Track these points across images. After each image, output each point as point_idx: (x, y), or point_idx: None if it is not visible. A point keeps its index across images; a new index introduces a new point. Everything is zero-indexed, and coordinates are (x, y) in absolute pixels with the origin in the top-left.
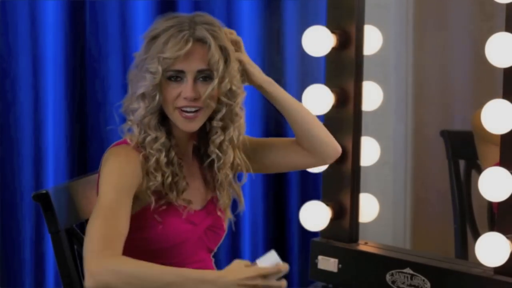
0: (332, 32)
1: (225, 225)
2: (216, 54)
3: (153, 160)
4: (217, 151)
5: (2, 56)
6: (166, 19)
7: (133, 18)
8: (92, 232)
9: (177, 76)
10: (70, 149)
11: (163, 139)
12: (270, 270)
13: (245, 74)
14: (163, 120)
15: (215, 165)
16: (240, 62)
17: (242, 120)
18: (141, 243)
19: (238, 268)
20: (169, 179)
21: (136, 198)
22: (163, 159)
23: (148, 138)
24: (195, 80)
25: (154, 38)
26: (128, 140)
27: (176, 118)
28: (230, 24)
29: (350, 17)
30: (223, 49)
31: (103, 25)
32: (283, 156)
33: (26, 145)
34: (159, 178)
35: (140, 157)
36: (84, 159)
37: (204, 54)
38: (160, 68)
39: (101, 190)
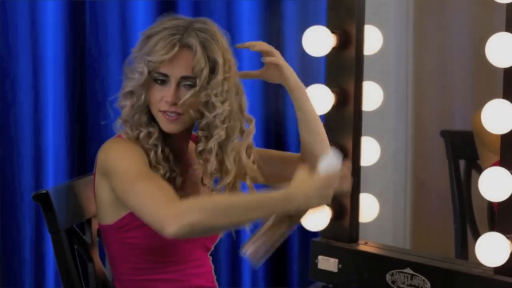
0: (332, 32)
1: None
2: (201, 62)
3: (152, 154)
4: (199, 160)
5: (2, 56)
6: (166, 20)
7: (133, 18)
8: (143, 196)
9: (162, 80)
10: (70, 149)
11: (156, 134)
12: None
13: (282, 76)
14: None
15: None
16: (277, 65)
17: (223, 132)
18: (138, 241)
19: (307, 180)
20: (167, 175)
21: None
22: (160, 154)
23: (142, 134)
24: (178, 85)
25: (148, 37)
26: (124, 136)
27: (159, 119)
28: (230, 24)
29: (350, 17)
30: (211, 60)
31: (103, 25)
32: (284, 169)
33: (26, 145)
34: (161, 171)
35: (141, 149)
36: (84, 159)
37: (191, 61)
38: (145, 70)
39: (121, 167)
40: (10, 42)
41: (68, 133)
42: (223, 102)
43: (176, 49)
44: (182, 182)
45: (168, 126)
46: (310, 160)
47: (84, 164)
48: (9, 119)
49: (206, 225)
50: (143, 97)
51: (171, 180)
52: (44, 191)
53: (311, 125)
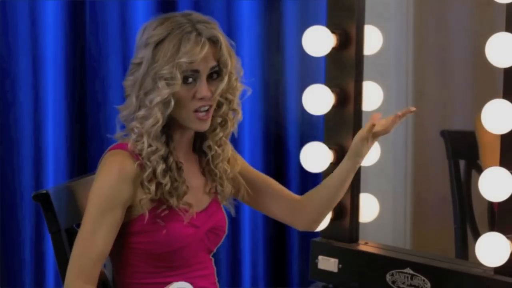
0: (332, 32)
1: (226, 227)
2: (225, 52)
3: (149, 171)
4: (216, 147)
5: (2, 56)
6: (159, 22)
7: (133, 18)
8: (70, 259)
9: (189, 77)
10: (70, 149)
11: (162, 151)
12: None
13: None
14: (163, 128)
15: (213, 162)
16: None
17: (239, 115)
18: (146, 246)
19: None
20: (168, 185)
21: (133, 206)
22: (159, 168)
23: (148, 150)
24: (207, 78)
25: (160, 42)
26: (130, 147)
27: (192, 120)
28: (230, 24)
29: (350, 17)
30: (228, 46)
31: (103, 25)
32: (272, 203)
33: (26, 145)
34: (153, 189)
35: (135, 167)
36: (84, 159)
37: (214, 51)
38: (178, 74)
39: (86, 208)
40: (10, 42)
41: (68, 133)
42: (240, 85)
43: (206, 46)
44: (186, 189)
45: (202, 126)
46: (309, 210)
47: (84, 164)
48: (9, 119)
49: None
50: (171, 104)
51: (172, 191)
52: (44, 191)
53: (342, 189)
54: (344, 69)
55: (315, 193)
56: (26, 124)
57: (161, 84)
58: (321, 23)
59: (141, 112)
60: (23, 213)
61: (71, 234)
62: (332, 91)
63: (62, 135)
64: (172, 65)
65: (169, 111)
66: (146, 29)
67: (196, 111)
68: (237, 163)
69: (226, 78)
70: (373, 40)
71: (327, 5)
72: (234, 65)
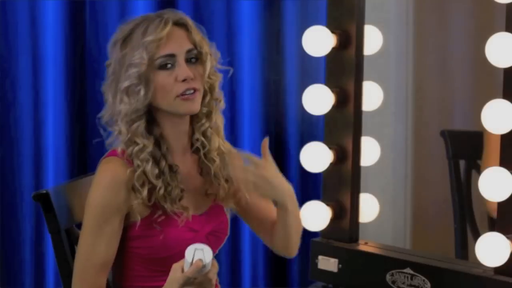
0: (332, 32)
1: (228, 229)
2: (197, 34)
3: (139, 172)
4: (202, 138)
5: (2, 56)
6: (124, 23)
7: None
8: (74, 272)
9: (167, 63)
10: (70, 149)
11: (150, 147)
12: (192, 271)
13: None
14: (150, 127)
15: (203, 154)
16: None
17: (221, 104)
18: (144, 251)
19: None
20: (162, 190)
21: (130, 213)
22: (150, 169)
23: (136, 148)
24: (185, 62)
25: (128, 36)
26: (119, 151)
27: (177, 104)
28: (230, 24)
29: (350, 17)
30: (199, 30)
31: (103, 25)
32: (255, 222)
33: (26, 145)
34: (145, 193)
35: (127, 173)
36: (84, 159)
37: (185, 35)
38: (145, 55)
39: (83, 221)
40: (10, 42)
41: (68, 133)
42: (219, 74)
43: (169, 25)
44: (179, 192)
45: (190, 107)
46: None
47: (84, 164)
48: (9, 119)
49: None
50: (142, 91)
51: (166, 195)
52: (44, 191)
53: (292, 232)
54: (344, 69)
55: (275, 228)
56: (26, 124)
57: (130, 69)
58: (321, 23)
59: (116, 107)
60: (23, 213)
61: (71, 234)
62: (332, 91)
63: (62, 135)
64: (140, 49)
65: (140, 98)
66: (115, 32)
67: (182, 94)
68: (235, 165)
69: (208, 59)
70: (373, 40)
71: (327, 5)
72: (210, 48)
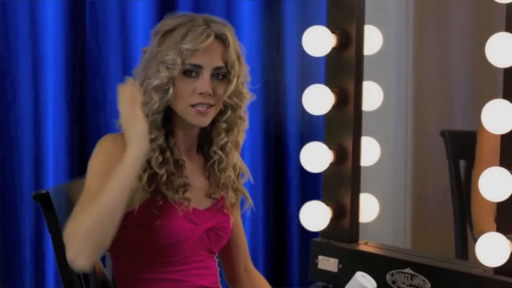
0: (332, 32)
1: (230, 229)
2: (233, 53)
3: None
4: (220, 152)
5: (2, 56)
6: (175, 15)
7: (133, 18)
8: (76, 206)
9: (192, 71)
10: (70, 149)
11: (160, 140)
12: None
13: None
14: (165, 120)
15: (217, 166)
16: None
17: (245, 123)
18: (142, 239)
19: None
20: (164, 177)
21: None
22: (154, 159)
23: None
24: (210, 76)
25: (169, 31)
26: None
27: (189, 113)
28: (230, 24)
29: (350, 17)
30: (236, 51)
31: (103, 25)
32: (233, 255)
33: (26, 145)
34: (144, 178)
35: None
36: (84, 159)
37: (222, 51)
38: (178, 60)
39: (88, 173)
40: (10, 42)
41: (68, 133)
42: (248, 92)
43: (211, 38)
44: (181, 182)
45: (200, 120)
46: None
47: (84, 164)
48: (9, 119)
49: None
50: (170, 91)
51: (167, 183)
52: (44, 191)
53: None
54: (344, 69)
55: None
56: (26, 124)
57: (162, 68)
58: (321, 23)
59: (144, 98)
60: (23, 213)
61: None
62: (332, 91)
63: (62, 135)
64: (175, 52)
65: (166, 98)
66: (162, 20)
67: (195, 105)
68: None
69: (234, 81)
70: (373, 40)
71: (327, 5)
72: (242, 69)
